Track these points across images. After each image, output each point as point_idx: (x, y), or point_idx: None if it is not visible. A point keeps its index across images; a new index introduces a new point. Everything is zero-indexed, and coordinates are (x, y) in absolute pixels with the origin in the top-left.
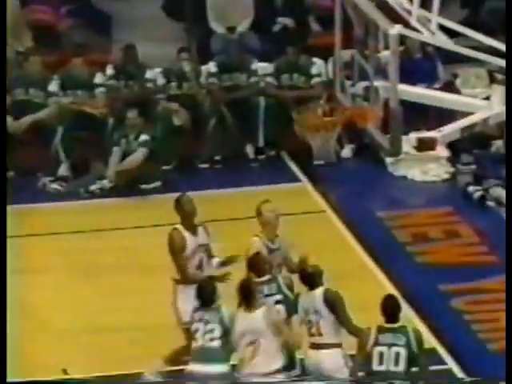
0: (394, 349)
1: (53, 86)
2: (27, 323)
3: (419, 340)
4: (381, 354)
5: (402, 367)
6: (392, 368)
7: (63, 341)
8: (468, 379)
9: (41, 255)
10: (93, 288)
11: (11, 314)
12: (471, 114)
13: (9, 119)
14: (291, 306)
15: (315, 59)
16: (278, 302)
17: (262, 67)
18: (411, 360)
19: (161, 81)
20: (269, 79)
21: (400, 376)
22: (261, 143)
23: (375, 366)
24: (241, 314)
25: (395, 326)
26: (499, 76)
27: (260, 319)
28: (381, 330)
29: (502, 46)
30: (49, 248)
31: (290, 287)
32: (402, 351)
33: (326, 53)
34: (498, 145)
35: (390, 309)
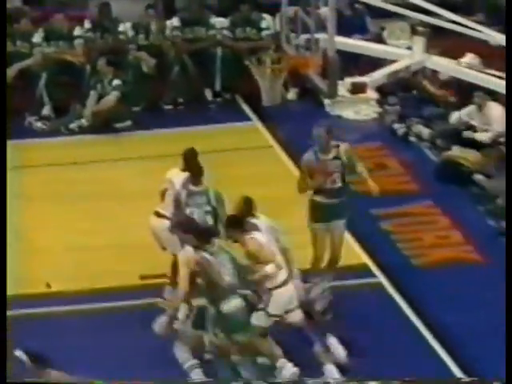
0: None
1: (37, 38)
2: (18, 244)
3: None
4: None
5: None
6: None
7: (50, 258)
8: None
9: (29, 185)
10: (76, 213)
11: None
12: (396, 61)
13: None
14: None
15: (265, 15)
16: (206, 212)
17: (219, 22)
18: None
19: (131, 33)
20: (225, 32)
21: None
22: (218, 87)
23: None
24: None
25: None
26: (420, 29)
27: None
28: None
29: (421, 3)
30: (36, 178)
31: (219, 200)
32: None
33: (273, 9)
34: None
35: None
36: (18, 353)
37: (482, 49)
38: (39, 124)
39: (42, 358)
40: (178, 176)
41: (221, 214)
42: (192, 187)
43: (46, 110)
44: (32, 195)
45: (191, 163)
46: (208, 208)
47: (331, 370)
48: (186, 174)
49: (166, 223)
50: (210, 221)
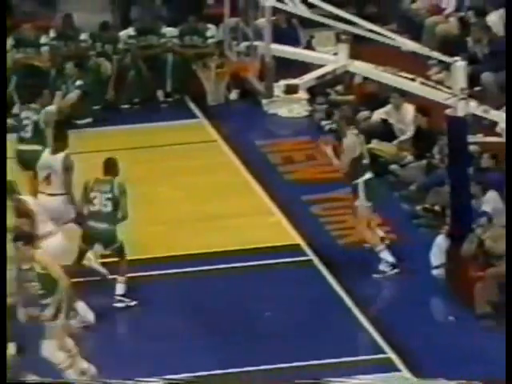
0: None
1: (8, 45)
2: None
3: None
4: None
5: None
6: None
7: None
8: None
9: None
10: None
11: None
12: (323, 66)
13: None
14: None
15: (209, 25)
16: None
17: (169, 31)
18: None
19: (90, 41)
20: (175, 40)
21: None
22: (169, 89)
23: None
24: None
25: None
26: (343, 37)
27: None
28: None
29: (345, 15)
30: None
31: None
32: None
33: (217, 20)
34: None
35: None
36: None
37: (395, 54)
38: (10, 121)
39: None
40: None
41: (122, 203)
42: (100, 176)
43: (16, 109)
44: None
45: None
46: (109, 195)
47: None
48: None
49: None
50: (109, 207)
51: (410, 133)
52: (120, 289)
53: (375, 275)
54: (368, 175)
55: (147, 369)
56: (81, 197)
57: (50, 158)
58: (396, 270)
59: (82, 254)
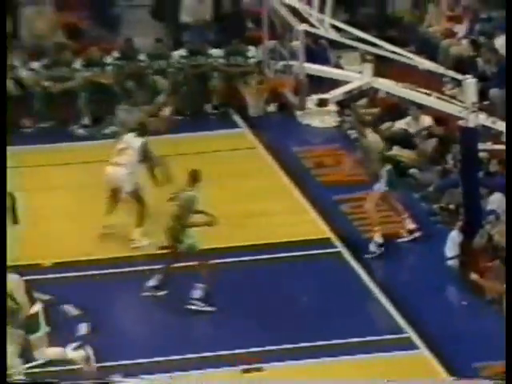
0: None
1: (77, 65)
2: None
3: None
4: None
5: None
6: None
7: None
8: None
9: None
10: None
11: None
12: (350, 82)
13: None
14: None
15: (250, 47)
16: None
17: (215, 52)
18: None
19: (147, 61)
20: (220, 60)
21: None
22: (215, 103)
23: None
24: None
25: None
26: (368, 57)
27: None
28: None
29: (369, 38)
30: (76, 171)
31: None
32: None
33: (257, 43)
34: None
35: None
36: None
37: (413, 72)
38: (80, 131)
39: None
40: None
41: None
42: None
43: (85, 120)
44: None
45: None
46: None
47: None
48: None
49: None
50: None
51: (427, 141)
52: (196, 293)
53: (366, 255)
54: (389, 166)
55: (213, 343)
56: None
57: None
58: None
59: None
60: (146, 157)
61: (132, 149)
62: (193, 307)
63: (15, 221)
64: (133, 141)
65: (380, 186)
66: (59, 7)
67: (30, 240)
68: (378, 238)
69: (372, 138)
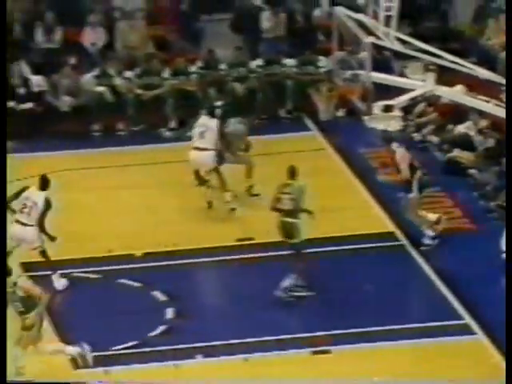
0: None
1: (165, 74)
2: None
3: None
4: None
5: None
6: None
7: None
8: None
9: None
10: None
11: None
12: (414, 90)
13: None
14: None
15: (321, 57)
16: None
17: (289, 62)
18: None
19: (227, 70)
20: (293, 69)
21: None
22: (289, 108)
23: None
24: None
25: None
26: (430, 67)
27: None
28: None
29: (431, 49)
30: (163, 170)
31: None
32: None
33: (327, 53)
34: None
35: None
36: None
37: (474, 81)
38: (167, 133)
39: None
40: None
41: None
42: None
43: (172, 124)
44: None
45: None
46: (291, 196)
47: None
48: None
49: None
50: (290, 205)
51: (486, 144)
52: (288, 282)
53: (422, 247)
54: (419, 174)
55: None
56: (273, 197)
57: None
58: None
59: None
60: (222, 135)
61: (210, 130)
62: (284, 295)
63: (41, 223)
64: (209, 122)
65: (413, 195)
66: (150, 22)
67: (122, 233)
68: (429, 232)
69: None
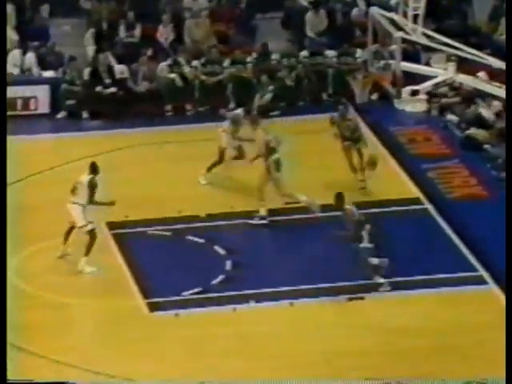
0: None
1: (225, 63)
2: None
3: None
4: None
5: None
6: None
7: None
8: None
9: None
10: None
11: None
12: (437, 77)
13: (204, 77)
14: None
15: (358, 49)
16: None
17: (330, 53)
18: None
19: (278, 59)
20: (334, 59)
21: None
22: (330, 92)
23: None
24: None
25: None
26: (452, 57)
27: None
28: None
29: (452, 42)
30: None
31: None
32: None
33: (363, 46)
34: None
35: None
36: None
37: (488, 70)
38: (228, 113)
39: None
40: None
41: None
42: None
43: (232, 105)
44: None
45: None
46: None
47: None
48: None
49: None
50: None
51: (498, 123)
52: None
53: None
54: None
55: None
56: None
57: None
58: None
59: None
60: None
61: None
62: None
63: (91, 201)
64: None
65: None
66: (213, 19)
67: (189, 197)
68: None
69: None
